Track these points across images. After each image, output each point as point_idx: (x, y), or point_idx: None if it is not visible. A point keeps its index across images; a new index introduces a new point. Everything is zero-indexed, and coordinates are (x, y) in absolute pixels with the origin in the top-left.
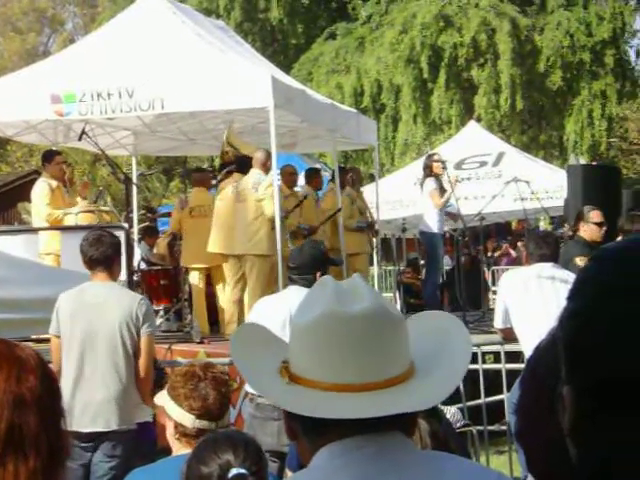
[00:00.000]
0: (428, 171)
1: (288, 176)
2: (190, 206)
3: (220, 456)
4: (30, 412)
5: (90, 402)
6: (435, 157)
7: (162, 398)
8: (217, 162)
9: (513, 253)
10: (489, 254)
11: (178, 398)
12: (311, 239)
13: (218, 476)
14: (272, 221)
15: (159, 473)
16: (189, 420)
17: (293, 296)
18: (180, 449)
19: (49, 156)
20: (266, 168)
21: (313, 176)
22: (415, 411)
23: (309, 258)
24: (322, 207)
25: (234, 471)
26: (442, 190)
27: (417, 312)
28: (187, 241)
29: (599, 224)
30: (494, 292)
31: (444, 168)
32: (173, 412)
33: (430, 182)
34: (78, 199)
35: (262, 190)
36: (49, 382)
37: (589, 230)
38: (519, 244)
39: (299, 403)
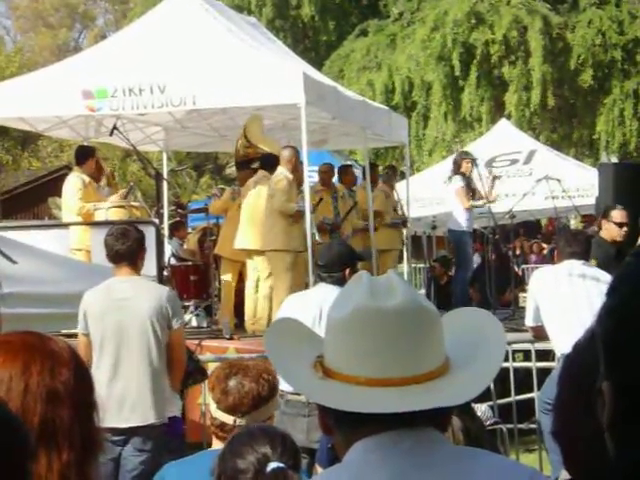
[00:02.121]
0: (457, 168)
1: (321, 174)
2: (241, 199)
3: (257, 450)
4: (63, 406)
5: (126, 397)
6: (466, 155)
7: None
8: None
9: (545, 250)
10: (517, 252)
11: (211, 388)
12: (339, 237)
13: (255, 470)
14: (286, 216)
15: (192, 467)
16: (213, 409)
17: (322, 294)
18: (215, 443)
19: (91, 151)
20: (292, 166)
21: (344, 173)
22: (449, 407)
23: (337, 256)
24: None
25: (273, 465)
26: (469, 189)
27: (444, 308)
28: (228, 231)
29: (619, 224)
30: (524, 290)
31: (474, 166)
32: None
33: (457, 180)
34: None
35: (272, 185)
36: (83, 376)
37: (609, 229)
38: (549, 245)
39: (332, 397)
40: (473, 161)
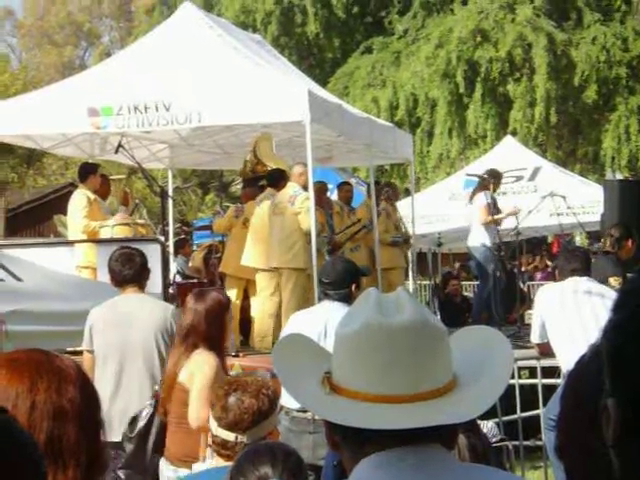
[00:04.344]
0: (485, 185)
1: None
2: (245, 217)
3: (259, 468)
4: (70, 423)
5: (128, 411)
6: (500, 176)
7: None
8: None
9: (550, 267)
10: (523, 269)
11: (211, 405)
12: (340, 255)
13: None
14: (308, 235)
15: None
16: (213, 427)
17: (328, 311)
18: (217, 461)
19: (93, 168)
20: (303, 182)
21: (339, 189)
22: (456, 424)
23: (343, 272)
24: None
25: None
26: (494, 207)
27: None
28: (232, 248)
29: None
30: (530, 307)
31: (497, 184)
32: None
33: (482, 196)
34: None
35: (299, 204)
36: (89, 393)
37: (633, 248)
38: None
39: (339, 413)
40: (499, 179)
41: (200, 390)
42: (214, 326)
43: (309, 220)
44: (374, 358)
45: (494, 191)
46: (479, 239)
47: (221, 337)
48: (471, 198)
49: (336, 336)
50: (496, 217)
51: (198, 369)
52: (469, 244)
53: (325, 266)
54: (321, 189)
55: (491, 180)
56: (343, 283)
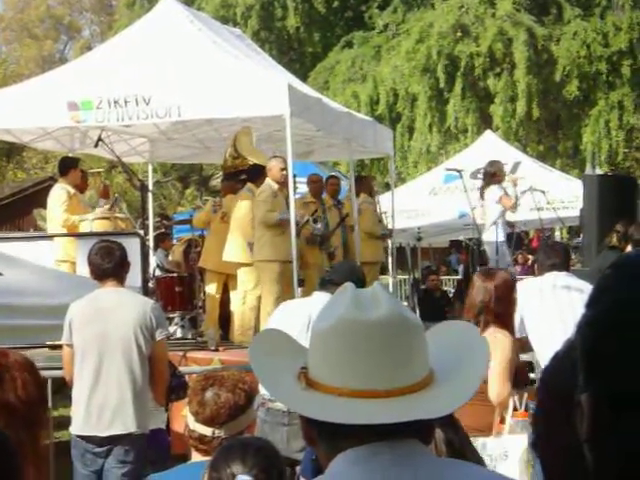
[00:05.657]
0: (492, 178)
1: (311, 184)
2: (223, 211)
3: (230, 464)
4: None
5: (106, 405)
6: (500, 165)
7: None
8: None
9: (530, 261)
10: None
11: (188, 401)
12: (328, 248)
13: None
14: (270, 226)
15: (174, 479)
16: (191, 422)
17: (315, 302)
18: (194, 456)
19: (73, 162)
20: (272, 176)
21: (327, 183)
22: (432, 419)
23: (349, 270)
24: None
25: (240, 477)
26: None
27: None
28: (211, 243)
29: None
30: None
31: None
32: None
33: (495, 189)
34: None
35: (256, 197)
36: (15, 389)
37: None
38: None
39: (315, 409)
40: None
41: (500, 367)
42: (504, 304)
43: (261, 212)
44: (350, 353)
45: (500, 183)
46: (493, 234)
47: (510, 314)
48: (481, 195)
49: (312, 331)
50: (515, 200)
51: (495, 347)
52: (483, 239)
53: (344, 268)
54: (320, 181)
55: (493, 171)
56: (344, 279)
